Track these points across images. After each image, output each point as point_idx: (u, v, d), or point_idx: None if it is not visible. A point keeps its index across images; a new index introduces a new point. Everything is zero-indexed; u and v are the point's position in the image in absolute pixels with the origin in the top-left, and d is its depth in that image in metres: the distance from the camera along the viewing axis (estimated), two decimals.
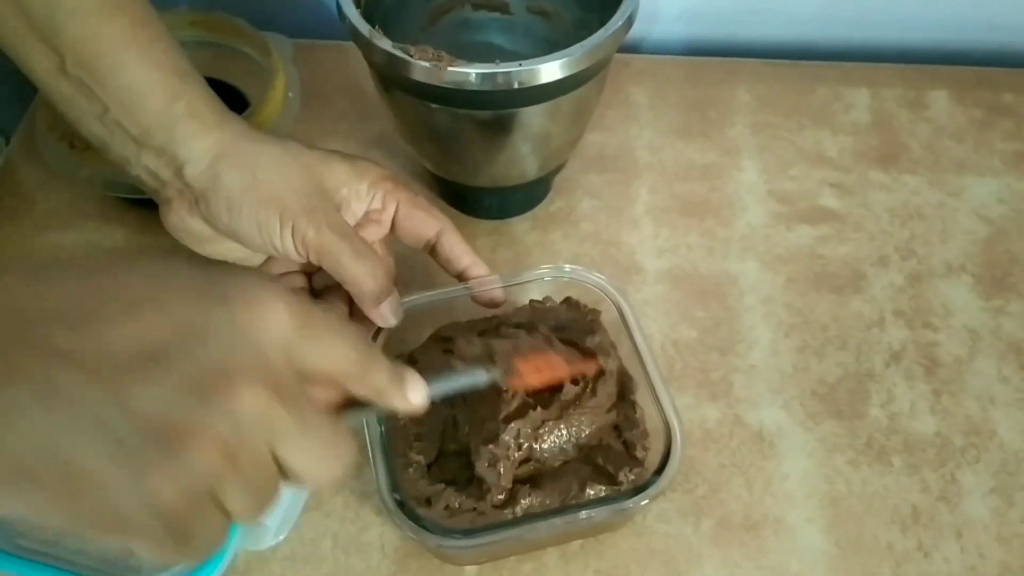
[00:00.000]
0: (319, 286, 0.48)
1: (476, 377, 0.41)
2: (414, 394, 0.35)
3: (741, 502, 0.48)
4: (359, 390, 0.33)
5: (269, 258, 0.48)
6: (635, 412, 0.45)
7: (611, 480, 0.43)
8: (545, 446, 0.44)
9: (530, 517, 0.42)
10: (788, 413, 0.51)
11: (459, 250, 0.48)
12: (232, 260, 0.47)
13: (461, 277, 0.48)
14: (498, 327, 0.47)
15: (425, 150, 0.57)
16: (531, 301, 0.50)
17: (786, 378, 0.53)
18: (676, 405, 0.44)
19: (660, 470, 0.42)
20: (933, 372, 0.54)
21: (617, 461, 0.44)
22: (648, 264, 0.58)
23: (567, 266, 0.49)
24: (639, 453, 0.44)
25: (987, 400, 0.52)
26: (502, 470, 0.42)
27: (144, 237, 0.60)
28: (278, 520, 0.47)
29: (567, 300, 0.49)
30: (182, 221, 0.45)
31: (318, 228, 0.43)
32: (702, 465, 0.49)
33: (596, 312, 0.48)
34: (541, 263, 0.58)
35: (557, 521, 0.42)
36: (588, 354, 0.45)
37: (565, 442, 0.44)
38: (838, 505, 0.48)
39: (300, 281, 0.48)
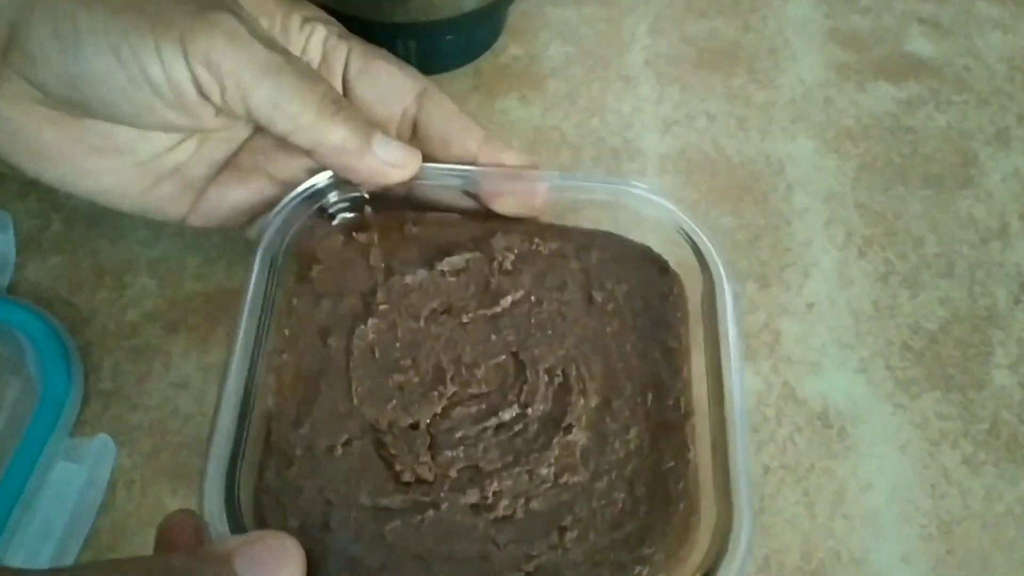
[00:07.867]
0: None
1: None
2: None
3: (798, 530, 0.34)
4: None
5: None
6: (685, 455, 0.29)
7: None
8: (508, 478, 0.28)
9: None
10: (867, 381, 0.37)
11: (457, 123, 0.33)
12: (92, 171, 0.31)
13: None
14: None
15: None
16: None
17: (863, 323, 0.38)
18: (750, 469, 0.27)
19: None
20: None
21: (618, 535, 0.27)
22: (648, 144, 0.43)
23: (636, 183, 0.33)
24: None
25: None
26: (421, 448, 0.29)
27: None
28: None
29: (644, 249, 0.33)
30: None
31: (232, 38, 0.28)
32: None
33: (679, 285, 0.33)
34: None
35: None
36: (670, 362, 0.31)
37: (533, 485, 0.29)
38: (950, 532, 0.34)
39: None
